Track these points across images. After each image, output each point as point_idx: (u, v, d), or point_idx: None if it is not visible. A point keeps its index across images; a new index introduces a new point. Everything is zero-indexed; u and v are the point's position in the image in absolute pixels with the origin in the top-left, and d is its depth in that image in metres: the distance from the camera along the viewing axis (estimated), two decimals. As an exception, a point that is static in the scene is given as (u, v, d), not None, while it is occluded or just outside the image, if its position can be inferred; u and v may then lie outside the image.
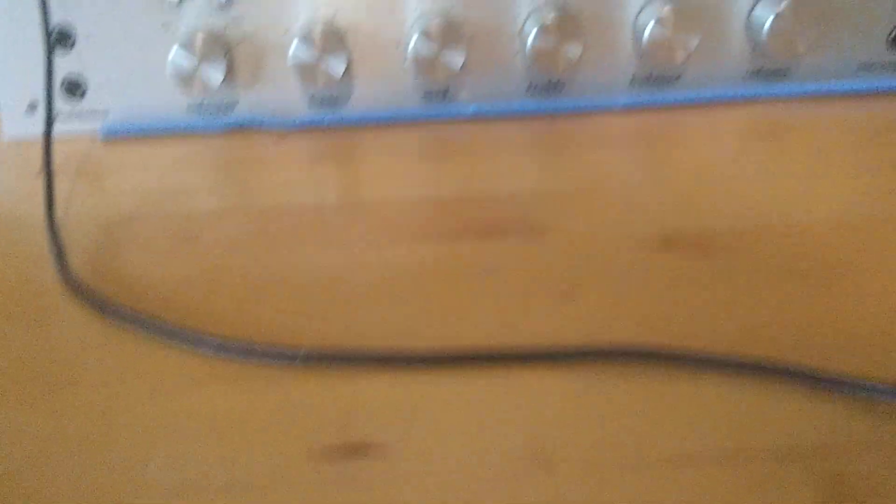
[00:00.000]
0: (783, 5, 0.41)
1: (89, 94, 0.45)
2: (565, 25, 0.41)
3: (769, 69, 0.45)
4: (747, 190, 0.38)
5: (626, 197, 0.37)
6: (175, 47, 0.42)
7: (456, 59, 0.42)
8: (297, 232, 0.37)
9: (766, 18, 0.42)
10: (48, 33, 0.41)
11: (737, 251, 0.34)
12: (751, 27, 0.43)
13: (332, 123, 0.45)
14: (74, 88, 0.44)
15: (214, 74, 0.42)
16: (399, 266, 0.34)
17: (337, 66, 0.42)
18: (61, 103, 0.44)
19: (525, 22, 0.43)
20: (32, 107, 0.45)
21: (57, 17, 0.42)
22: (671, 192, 0.37)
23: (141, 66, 0.44)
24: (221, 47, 0.42)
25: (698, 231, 0.35)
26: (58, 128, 0.43)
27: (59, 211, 0.38)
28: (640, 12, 0.43)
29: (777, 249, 0.34)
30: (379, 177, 0.41)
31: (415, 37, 0.42)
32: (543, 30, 0.41)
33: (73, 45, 0.43)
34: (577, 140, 0.42)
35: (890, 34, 0.44)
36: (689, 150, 0.41)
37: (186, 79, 0.42)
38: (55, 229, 0.36)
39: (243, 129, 0.45)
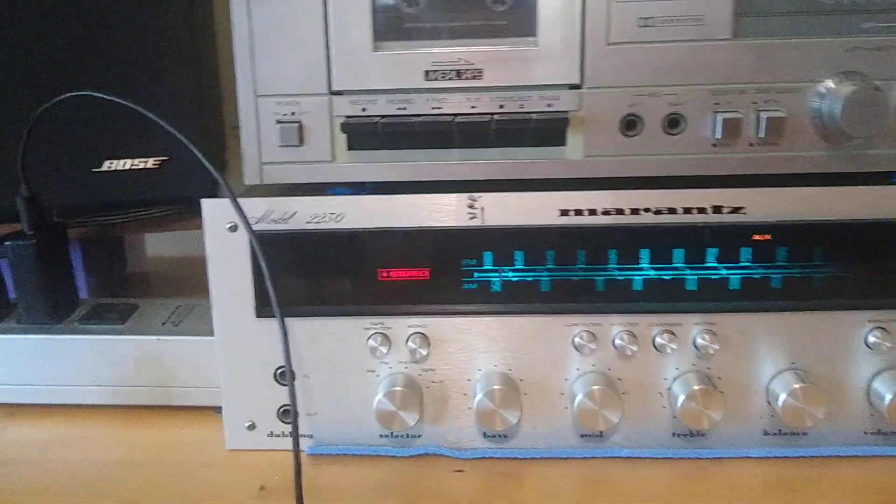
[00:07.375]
0: (901, 385, 0.48)
1: (300, 420, 0.54)
2: (708, 395, 0.49)
3: (888, 430, 0.51)
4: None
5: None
6: (379, 396, 0.51)
7: (613, 417, 0.50)
8: None
9: (885, 395, 0.49)
10: (291, 377, 0.51)
11: None
12: (871, 396, 0.50)
13: (501, 456, 0.53)
14: (287, 415, 0.54)
15: (410, 419, 0.51)
16: None
17: (512, 417, 0.50)
18: (277, 425, 0.54)
19: (672, 384, 0.51)
20: (252, 427, 0.54)
21: (280, 360, 0.52)
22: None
23: (345, 401, 0.53)
24: (416, 396, 0.51)
25: None
26: (271, 443, 0.53)
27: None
28: (771, 380, 0.50)
29: None
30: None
31: (579, 397, 0.50)
32: (691, 397, 0.49)
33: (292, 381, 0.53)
34: (721, 492, 0.49)
35: None
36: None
37: (387, 422, 0.51)
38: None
39: (426, 455, 0.53)
